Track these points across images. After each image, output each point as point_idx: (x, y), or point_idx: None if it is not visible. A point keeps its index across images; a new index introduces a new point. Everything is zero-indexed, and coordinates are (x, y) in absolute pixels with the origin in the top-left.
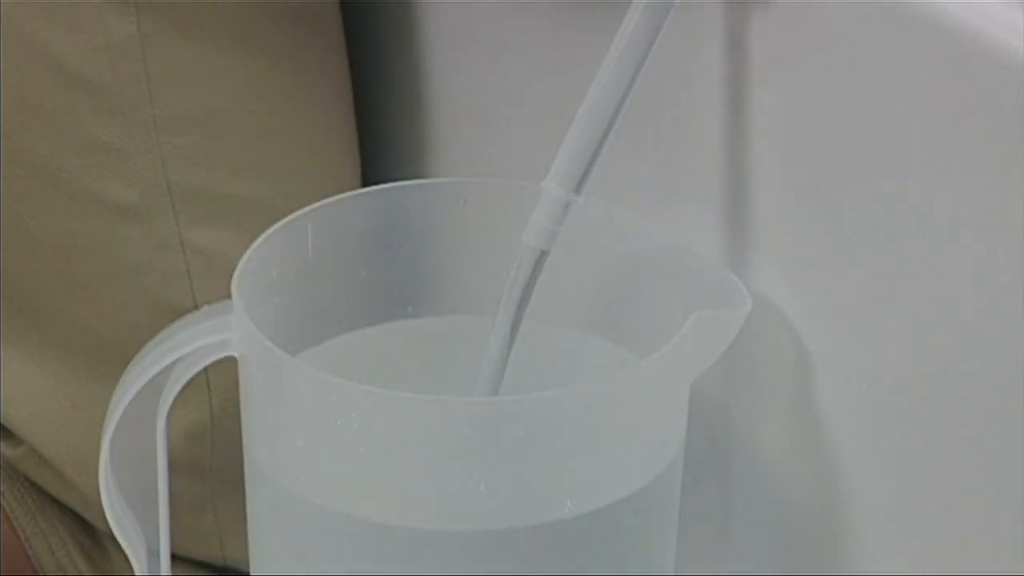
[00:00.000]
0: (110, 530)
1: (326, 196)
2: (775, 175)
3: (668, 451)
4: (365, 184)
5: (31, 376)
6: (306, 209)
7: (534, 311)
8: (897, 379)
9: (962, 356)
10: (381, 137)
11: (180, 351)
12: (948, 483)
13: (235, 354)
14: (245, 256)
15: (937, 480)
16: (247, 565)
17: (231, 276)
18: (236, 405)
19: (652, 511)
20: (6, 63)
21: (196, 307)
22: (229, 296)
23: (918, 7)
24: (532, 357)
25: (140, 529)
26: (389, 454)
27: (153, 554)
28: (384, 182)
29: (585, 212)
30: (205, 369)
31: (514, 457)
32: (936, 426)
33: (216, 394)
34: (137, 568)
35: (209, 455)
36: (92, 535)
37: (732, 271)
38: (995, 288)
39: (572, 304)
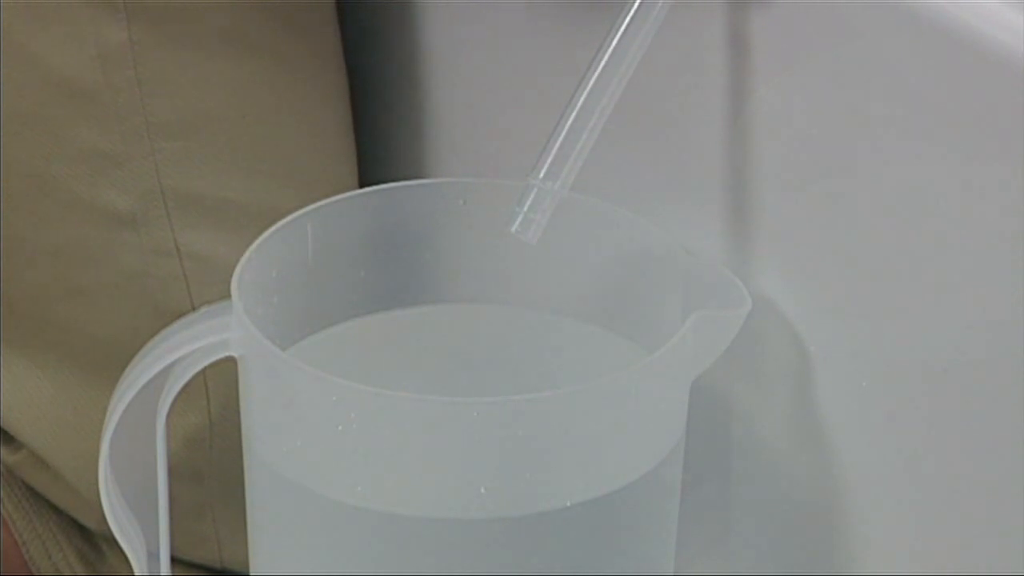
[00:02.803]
0: (109, 533)
1: (321, 200)
2: (775, 175)
3: (667, 450)
4: (365, 184)
5: (31, 381)
6: (306, 209)
7: (536, 299)
8: (897, 378)
9: (962, 355)
10: (381, 137)
11: (179, 351)
12: (948, 482)
13: (235, 354)
14: (245, 256)
15: (937, 479)
16: (246, 568)
17: (227, 280)
18: (234, 410)
19: (650, 505)
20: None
21: (193, 311)
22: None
23: (918, 7)
24: (536, 345)
25: (140, 531)
26: (389, 454)
27: (153, 556)
28: (384, 182)
29: (585, 211)
30: (203, 375)
31: (514, 457)
32: (936, 425)
33: (214, 399)
34: (137, 569)
35: (207, 460)
36: (88, 539)
37: (732, 271)
38: (995, 288)
39: (575, 299)
